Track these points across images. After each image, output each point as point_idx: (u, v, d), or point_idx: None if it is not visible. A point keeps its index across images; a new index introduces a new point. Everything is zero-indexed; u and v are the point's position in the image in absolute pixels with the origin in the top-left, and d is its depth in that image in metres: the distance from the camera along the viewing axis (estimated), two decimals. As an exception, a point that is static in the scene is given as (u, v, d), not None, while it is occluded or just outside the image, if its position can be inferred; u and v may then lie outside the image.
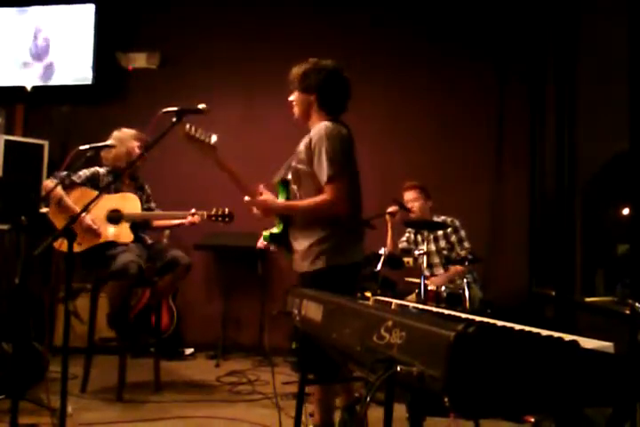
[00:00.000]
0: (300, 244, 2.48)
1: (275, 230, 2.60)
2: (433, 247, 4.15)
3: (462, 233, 4.11)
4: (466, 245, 4.08)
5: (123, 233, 3.51)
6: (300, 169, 2.48)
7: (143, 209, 3.68)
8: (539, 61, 4.74)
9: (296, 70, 2.55)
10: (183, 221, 3.59)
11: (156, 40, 5.23)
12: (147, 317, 4.18)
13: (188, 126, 2.48)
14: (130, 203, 3.56)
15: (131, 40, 5.26)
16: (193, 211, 3.56)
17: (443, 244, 4.15)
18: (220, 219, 3.50)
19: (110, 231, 3.51)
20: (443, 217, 4.15)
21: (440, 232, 4.13)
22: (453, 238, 4.11)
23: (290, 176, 2.57)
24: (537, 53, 4.76)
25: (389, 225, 4.13)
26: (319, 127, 2.43)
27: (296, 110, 2.58)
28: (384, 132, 4.93)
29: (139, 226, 3.63)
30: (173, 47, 5.21)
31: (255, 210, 2.53)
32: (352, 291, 2.45)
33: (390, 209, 4.05)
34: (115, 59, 5.19)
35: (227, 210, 3.51)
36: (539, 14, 4.68)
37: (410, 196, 4.18)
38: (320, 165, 2.38)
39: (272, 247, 2.70)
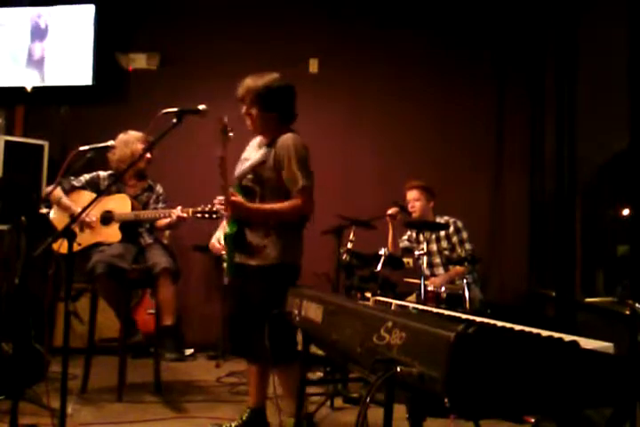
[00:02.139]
0: (254, 238, 2.60)
1: (228, 231, 2.65)
2: (434, 247, 4.14)
3: (464, 235, 4.09)
4: (467, 246, 4.06)
5: (111, 233, 3.54)
6: (265, 176, 2.61)
7: (153, 209, 3.67)
8: (539, 61, 4.74)
9: (250, 87, 2.64)
10: (169, 218, 3.45)
11: (155, 41, 5.23)
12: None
13: (226, 120, 2.56)
14: (120, 203, 3.57)
15: (130, 41, 5.26)
16: (179, 208, 3.42)
17: (444, 244, 4.13)
18: (206, 215, 3.36)
19: (102, 232, 3.56)
20: (446, 217, 4.13)
21: (442, 233, 4.11)
22: (455, 239, 4.09)
23: (249, 183, 2.66)
24: (537, 53, 4.76)
25: (390, 226, 4.12)
26: (286, 138, 2.60)
27: (252, 124, 2.71)
28: (384, 133, 4.93)
29: (131, 226, 3.60)
30: (173, 47, 5.21)
31: (223, 208, 2.65)
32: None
33: (390, 211, 4.03)
34: (115, 59, 5.18)
35: (214, 207, 3.32)
36: (539, 14, 4.67)
37: (411, 195, 4.17)
38: (292, 174, 2.56)
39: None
